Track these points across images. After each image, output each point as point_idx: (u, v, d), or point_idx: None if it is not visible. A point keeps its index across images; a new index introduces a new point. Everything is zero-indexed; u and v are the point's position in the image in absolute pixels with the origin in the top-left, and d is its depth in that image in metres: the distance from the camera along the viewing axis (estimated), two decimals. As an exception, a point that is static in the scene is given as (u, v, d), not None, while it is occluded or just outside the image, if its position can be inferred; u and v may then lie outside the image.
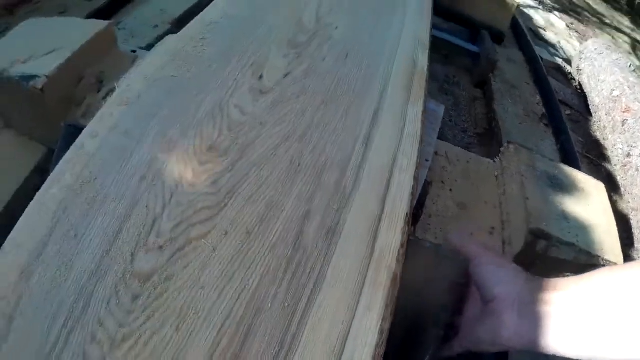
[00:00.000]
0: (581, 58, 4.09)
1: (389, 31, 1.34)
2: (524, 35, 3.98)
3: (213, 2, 1.31)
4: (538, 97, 3.28)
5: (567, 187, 1.50)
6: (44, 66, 1.46)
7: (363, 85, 1.07)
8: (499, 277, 0.76)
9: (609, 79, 3.55)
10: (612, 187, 2.88)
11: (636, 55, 8.62)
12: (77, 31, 1.64)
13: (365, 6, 1.43)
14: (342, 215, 0.78)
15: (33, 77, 1.44)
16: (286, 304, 0.67)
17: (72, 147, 0.81)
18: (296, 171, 0.83)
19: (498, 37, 3.50)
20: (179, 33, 1.18)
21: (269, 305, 0.67)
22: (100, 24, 1.67)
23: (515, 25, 4.03)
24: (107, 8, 2.59)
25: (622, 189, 2.85)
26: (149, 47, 2.13)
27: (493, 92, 2.90)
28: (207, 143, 0.85)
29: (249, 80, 1.00)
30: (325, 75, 1.07)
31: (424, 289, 0.86)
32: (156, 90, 0.94)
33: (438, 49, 3.14)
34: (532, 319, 0.69)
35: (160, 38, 2.31)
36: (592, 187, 1.54)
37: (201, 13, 1.26)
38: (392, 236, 0.77)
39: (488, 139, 2.57)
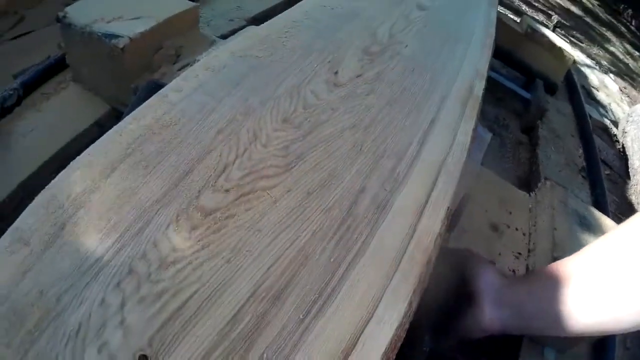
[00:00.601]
0: (628, 120, 4.10)
1: (452, 57, 1.45)
2: (576, 91, 4.03)
3: (297, 4, 1.45)
4: (581, 151, 3.33)
5: (594, 228, 1.57)
6: (128, 29, 1.61)
7: (424, 96, 1.18)
8: (485, 275, 0.98)
9: None
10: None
11: None
12: (165, 4, 1.79)
13: (433, 33, 1.55)
14: (393, 196, 0.88)
15: (116, 36, 1.58)
16: (331, 260, 0.76)
17: (156, 94, 0.93)
18: (358, 152, 0.94)
19: (551, 88, 3.57)
20: (263, 24, 1.31)
21: (316, 257, 0.75)
22: (186, 4, 1.83)
23: (569, 80, 4.08)
24: None
25: None
26: (223, 37, 2.25)
27: (538, 138, 2.97)
28: (283, 115, 0.96)
29: (326, 73, 1.12)
30: (393, 82, 1.18)
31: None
32: (241, 64, 1.07)
33: (493, 90, 3.23)
34: (506, 307, 0.92)
35: (234, 32, 2.46)
36: (617, 233, 1.60)
37: (285, 12, 1.38)
38: (433, 223, 0.87)
39: (527, 182, 2.65)
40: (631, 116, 4.11)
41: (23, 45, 3.63)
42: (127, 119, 0.86)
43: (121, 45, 1.56)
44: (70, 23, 1.64)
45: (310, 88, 1.06)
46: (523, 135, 3.17)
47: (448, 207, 0.91)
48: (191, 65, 1.62)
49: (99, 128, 1.78)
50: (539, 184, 1.71)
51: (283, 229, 0.77)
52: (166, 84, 0.96)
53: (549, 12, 9.33)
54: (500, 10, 2.93)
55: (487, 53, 1.62)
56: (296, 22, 1.31)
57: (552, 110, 3.42)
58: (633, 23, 16.83)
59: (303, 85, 1.06)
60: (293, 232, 0.77)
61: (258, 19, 2.69)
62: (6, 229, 0.66)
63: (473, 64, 1.47)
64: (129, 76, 1.65)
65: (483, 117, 2.35)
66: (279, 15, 1.37)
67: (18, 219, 0.68)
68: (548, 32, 3.52)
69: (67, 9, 1.69)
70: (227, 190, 0.79)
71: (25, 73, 2.44)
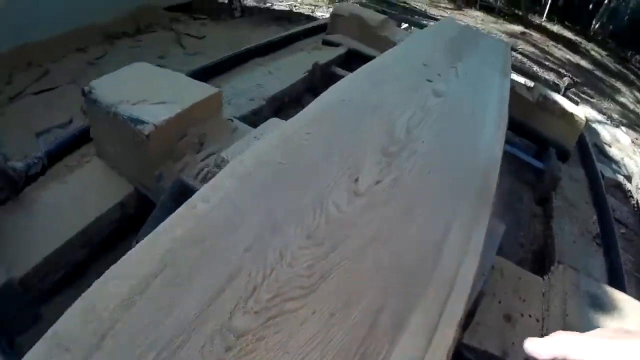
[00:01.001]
0: None
1: (467, 147, 1.52)
2: (589, 155, 4.07)
3: (317, 98, 1.52)
4: (595, 217, 3.35)
5: (607, 307, 1.59)
6: (154, 115, 1.66)
7: (440, 201, 1.23)
8: None
9: None
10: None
11: None
12: (189, 90, 1.87)
13: (449, 123, 1.62)
14: (409, 314, 0.92)
15: (141, 122, 1.63)
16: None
17: (185, 205, 0.99)
18: (378, 269, 0.98)
19: (564, 155, 3.60)
20: (288, 121, 1.38)
21: (341, 375, 0.79)
22: (209, 89, 1.91)
23: (581, 143, 4.12)
24: (205, 71, 2.86)
25: None
26: (243, 118, 2.35)
27: (553, 209, 3.00)
28: (307, 232, 1.02)
29: (346, 181, 1.18)
30: (410, 188, 1.24)
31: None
32: (264, 171, 1.14)
33: (506, 162, 3.25)
34: None
35: (255, 113, 2.57)
36: (631, 308, 1.62)
37: (306, 109, 1.45)
38: (446, 336, 0.90)
39: (542, 256, 2.66)
40: (647, 171, 4.13)
41: (46, 100, 3.76)
42: (159, 229, 0.93)
43: (146, 132, 1.62)
44: (96, 100, 1.72)
45: (332, 199, 1.11)
46: (537, 207, 3.20)
47: (460, 318, 0.94)
48: (215, 156, 1.70)
49: (122, 209, 1.85)
50: (552, 268, 1.73)
51: (309, 350, 0.81)
52: (193, 186, 1.03)
53: (560, 69, 9.47)
54: (512, 75, 2.98)
55: (501, 137, 1.68)
56: (317, 120, 1.38)
57: (565, 178, 3.44)
58: (643, 69, 16.95)
59: (325, 195, 1.12)
60: (319, 353, 0.81)
61: (277, 98, 2.79)
62: (30, 300, 0.71)
63: (488, 152, 1.54)
64: (152, 162, 1.71)
65: (497, 190, 2.40)
66: (301, 113, 1.43)
67: (57, 324, 0.73)
68: (559, 98, 3.56)
69: (93, 83, 1.77)
70: (256, 312, 0.84)
71: (47, 137, 2.54)
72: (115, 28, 4.90)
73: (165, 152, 1.74)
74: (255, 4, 7.23)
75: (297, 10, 7.33)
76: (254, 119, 2.53)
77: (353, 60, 3.77)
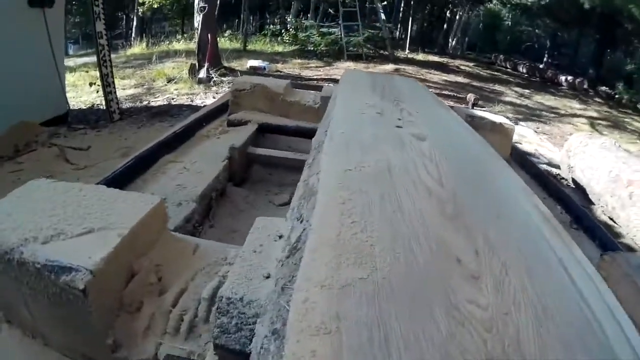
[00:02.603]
0: (569, 156, 4.22)
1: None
2: (524, 156, 4.13)
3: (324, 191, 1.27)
4: (559, 207, 3.33)
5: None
6: (83, 254, 1.15)
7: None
8: None
9: (602, 163, 3.66)
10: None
11: (597, 130, 9.16)
12: (119, 206, 1.38)
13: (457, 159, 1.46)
14: None
15: (68, 269, 1.10)
16: None
17: None
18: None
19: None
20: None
21: None
22: (147, 200, 1.45)
23: (515, 151, 4.18)
24: (113, 182, 2.35)
25: None
26: (180, 229, 2.00)
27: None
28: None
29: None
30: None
31: None
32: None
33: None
34: None
35: (188, 219, 2.19)
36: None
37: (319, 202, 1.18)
38: None
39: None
40: (570, 151, 4.22)
41: None
42: None
43: (81, 286, 1.10)
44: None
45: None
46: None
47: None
48: (192, 296, 1.29)
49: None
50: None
51: None
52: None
53: (444, 91, 9.93)
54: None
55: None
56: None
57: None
58: (508, 65, 18.38)
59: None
60: None
61: (206, 196, 2.45)
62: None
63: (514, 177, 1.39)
64: (97, 325, 1.20)
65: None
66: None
67: None
68: (483, 113, 3.60)
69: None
70: None
71: None
72: (-10, 152, 4.38)
73: (112, 306, 1.25)
74: (131, 104, 6.93)
75: (176, 103, 7.10)
76: (189, 227, 2.19)
77: (266, 135, 3.58)
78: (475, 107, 5.70)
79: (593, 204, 3.74)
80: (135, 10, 18.58)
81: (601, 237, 2.75)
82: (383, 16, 15.36)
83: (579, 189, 3.98)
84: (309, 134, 3.41)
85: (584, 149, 4.06)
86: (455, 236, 1.00)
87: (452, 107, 3.99)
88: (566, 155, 4.30)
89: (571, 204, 3.28)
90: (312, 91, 4.05)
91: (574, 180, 4.10)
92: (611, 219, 3.46)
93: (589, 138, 4.23)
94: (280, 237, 1.25)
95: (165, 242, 1.49)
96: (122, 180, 2.45)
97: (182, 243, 1.56)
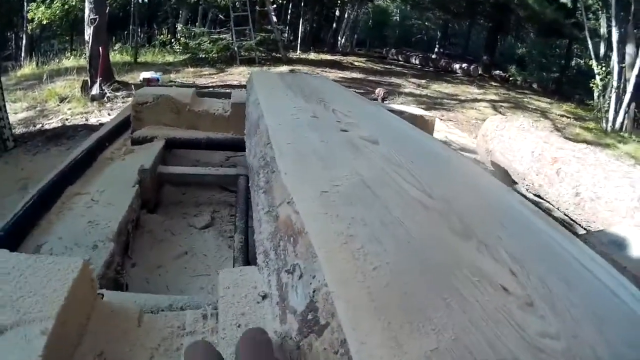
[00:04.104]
0: (487, 140, 4.22)
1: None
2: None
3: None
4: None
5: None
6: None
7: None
8: None
9: (523, 144, 3.69)
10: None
11: (500, 112, 9.52)
12: (36, 283, 1.03)
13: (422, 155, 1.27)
14: None
15: None
16: None
17: None
18: None
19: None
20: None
21: None
22: (68, 264, 1.10)
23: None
24: (11, 230, 1.90)
25: (585, 224, 2.91)
26: (103, 284, 1.62)
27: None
28: None
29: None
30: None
31: None
32: None
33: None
34: None
35: (108, 264, 1.80)
36: None
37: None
38: None
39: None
40: (487, 135, 4.22)
41: None
42: None
43: None
44: None
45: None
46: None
47: None
48: None
49: None
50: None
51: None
52: None
53: (356, 89, 9.86)
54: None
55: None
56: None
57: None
58: (400, 58, 18.87)
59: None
60: None
61: (123, 232, 2.04)
62: None
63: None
64: None
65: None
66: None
67: None
68: (402, 107, 3.46)
69: None
70: None
71: None
72: None
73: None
74: (25, 129, 6.30)
75: (71, 124, 6.53)
76: (113, 274, 1.81)
77: (174, 150, 3.24)
78: (384, 102, 5.58)
79: (516, 183, 3.75)
80: (25, 28, 17.33)
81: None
82: (274, 19, 15.22)
83: (499, 171, 3.96)
84: (222, 145, 3.19)
85: (501, 132, 4.07)
86: (482, 258, 0.86)
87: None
88: (483, 139, 4.30)
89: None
90: (220, 99, 3.72)
91: (493, 163, 4.09)
92: (538, 196, 3.48)
93: (505, 121, 4.26)
94: (264, 296, 1.02)
95: (100, 318, 1.16)
96: (23, 227, 1.99)
97: (121, 313, 1.21)
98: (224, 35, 13.97)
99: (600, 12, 11.71)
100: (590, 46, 11.27)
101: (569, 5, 15.50)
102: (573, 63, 17.67)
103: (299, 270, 0.85)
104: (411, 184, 1.12)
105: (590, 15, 13.20)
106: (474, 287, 0.76)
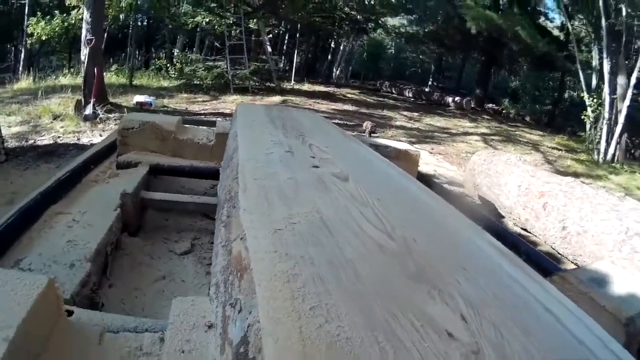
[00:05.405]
0: (474, 174, 4.27)
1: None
2: (430, 180, 4.07)
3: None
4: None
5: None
6: None
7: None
8: None
9: (510, 179, 3.72)
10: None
11: (491, 146, 9.58)
12: (4, 293, 1.06)
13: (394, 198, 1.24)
14: None
15: None
16: None
17: None
18: None
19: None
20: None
21: None
22: (34, 281, 1.13)
23: (420, 175, 4.10)
24: None
25: (572, 258, 2.95)
26: (80, 303, 1.64)
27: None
28: None
29: None
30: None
31: None
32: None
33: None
34: None
35: (84, 283, 1.81)
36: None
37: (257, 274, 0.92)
38: None
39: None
40: (474, 169, 4.26)
41: None
42: None
43: None
44: None
45: None
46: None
47: None
48: None
49: None
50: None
51: None
52: None
53: (347, 122, 9.94)
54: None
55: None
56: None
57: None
58: (394, 91, 19.06)
59: None
60: None
61: (101, 252, 2.03)
62: None
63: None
64: None
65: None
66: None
67: None
68: (387, 142, 3.49)
69: None
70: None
71: None
72: None
73: None
74: (17, 143, 6.29)
75: (62, 142, 6.52)
76: (88, 292, 1.79)
77: (159, 176, 3.21)
78: (372, 135, 5.61)
79: (503, 217, 3.80)
80: (24, 42, 17.42)
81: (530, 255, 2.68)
82: (269, 48, 15.36)
83: (486, 205, 4.02)
84: (205, 173, 3.17)
85: (488, 167, 4.13)
86: (433, 303, 0.83)
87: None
88: (470, 174, 4.34)
89: (505, 232, 3.20)
90: (205, 127, 3.75)
91: (480, 197, 4.13)
92: (524, 229, 3.52)
93: (492, 155, 4.32)
94: (210, 326, 1.01)
95: (63, 335, 1.19)
96: (3, 242, 2.03)
97: (83, 332, 1.24)
98: (219, 63, 14.08)
99: (592, 44, 11.88)
100: (582, 78, 11.39)
101: (562, 38, 15.79)
102: (566, 95, 17.88)
103: (239, 304, 0.85)
104: (372, 224, 1.11)
105: (583, 48, 13.44)
106: (415, 332, 0.74)
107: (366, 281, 0.86)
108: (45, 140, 6.63)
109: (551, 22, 18.37)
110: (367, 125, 6.17)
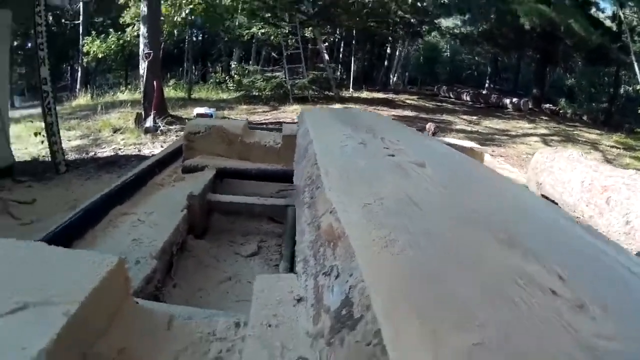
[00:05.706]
0: (537, 173, 4.19)
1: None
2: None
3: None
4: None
5: None
6: (11, 341, 0.82)
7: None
8: None
9: (573, 175, 3.65)
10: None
11: (551, 146, 9.33)
12: (69, 272, 1.04)
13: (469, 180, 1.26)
14: None
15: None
16: None
17: None
18: None
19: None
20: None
21: None
22: (104, 260, 1.11)
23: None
24: (58, 238, 1.98)
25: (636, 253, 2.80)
26: (142, 293, 1.66)
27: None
28: None
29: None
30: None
31: None
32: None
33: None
34: None
35: (149, 280, 1.83)
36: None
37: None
38: None
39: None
40: (537, 168, 4.19)
41: None
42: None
43: None
44: None
45: None
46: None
47: None
48: None
49: None
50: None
51: None
52: None
53: (411, 126, 9.85)
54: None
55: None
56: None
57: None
58: (451, 95, 18.87)
59: None
60: None
61: (167, 251, 2.08)
62: None
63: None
64: None
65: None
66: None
67: None
68: (452, 140, 3.49)
69: None
70: None
71: None
72: None
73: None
74: (77, 156, 6.56)
75: (123, 154, 6.77)
76: (152, 289, 1.82)
77: (225, 180, 3.27)
78: (434, 136, 5.59)
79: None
80: (80, 61, 18.16)
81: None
82: (326, 57, 15.42)
83: (554, 203, 3.89)
84: (272, 176, 3.19)
85: (551, 164, 4.05)
86: (530, 266, 0.84)
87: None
88: (533, 172, 4.26)
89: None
90: (271, 132, 3.79)
91: (543, 196, 4.04)
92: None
93: (554, 152, 4.22)
94: (300, 300, 1.01)
95: (129, 316, 1.15)
96: (68, 236, 2.08)
97: (151, 315, 1.20)
98: (277, 73, 14.23)
99: (646, 32, 11.44)
100: (637, 70, 10.97)
101: (614, 28, 15.26)
102: (622, 91, 17.28)
103: (335, 270, 0.86)
104: (456, 204, 1.12)
105: (636, 38, 12.92)
106: (520, 289, 0.75)
107: (463, 246, 0.88)
108: (106, 152, 6.90)
109: (602, 12, 17.67)
110: (429, 126, 6.16)
